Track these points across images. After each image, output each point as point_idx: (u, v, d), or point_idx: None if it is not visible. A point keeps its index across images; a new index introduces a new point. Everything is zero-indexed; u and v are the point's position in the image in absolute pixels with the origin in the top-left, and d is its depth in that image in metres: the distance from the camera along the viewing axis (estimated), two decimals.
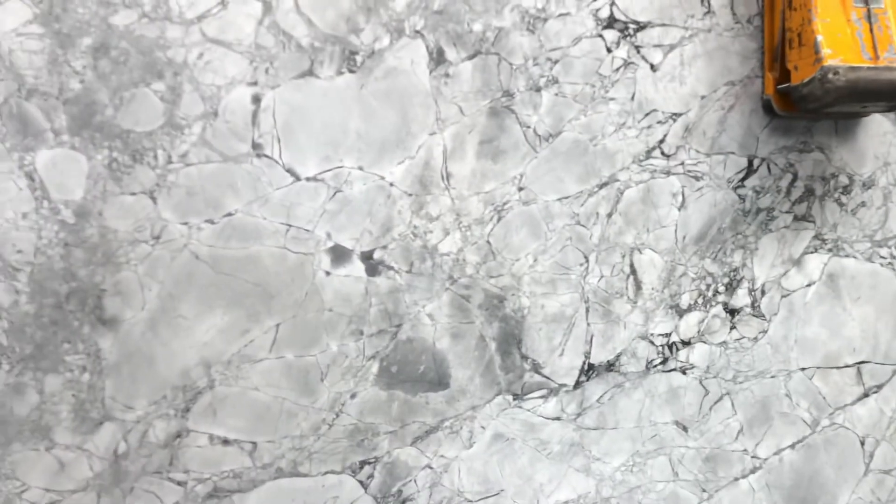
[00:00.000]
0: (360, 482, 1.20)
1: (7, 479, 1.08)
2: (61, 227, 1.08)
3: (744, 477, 1.36)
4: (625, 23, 1.28)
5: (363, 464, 1.20)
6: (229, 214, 1.13)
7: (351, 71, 1.17)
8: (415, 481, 1.22)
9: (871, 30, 1.22)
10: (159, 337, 1.12)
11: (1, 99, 1.05)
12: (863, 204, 1.39)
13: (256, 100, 1.14)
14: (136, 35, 1.09)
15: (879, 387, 1.41)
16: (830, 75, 1.19)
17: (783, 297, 1.36)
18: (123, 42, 1.09)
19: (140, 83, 1.09)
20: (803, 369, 1.37)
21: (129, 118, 1.09)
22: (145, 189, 1.10)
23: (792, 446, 1.37)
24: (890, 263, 1.41)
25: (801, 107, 1.27)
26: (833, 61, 1.19)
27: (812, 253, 1.37)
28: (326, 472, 1.19)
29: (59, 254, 1.08)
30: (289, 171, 1.15)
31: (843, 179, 1.38)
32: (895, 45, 1.22)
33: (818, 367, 1.38)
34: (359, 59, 1.17)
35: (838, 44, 1.20)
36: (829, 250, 1.38)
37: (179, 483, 1.13)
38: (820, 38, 1.20)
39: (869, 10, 1.22)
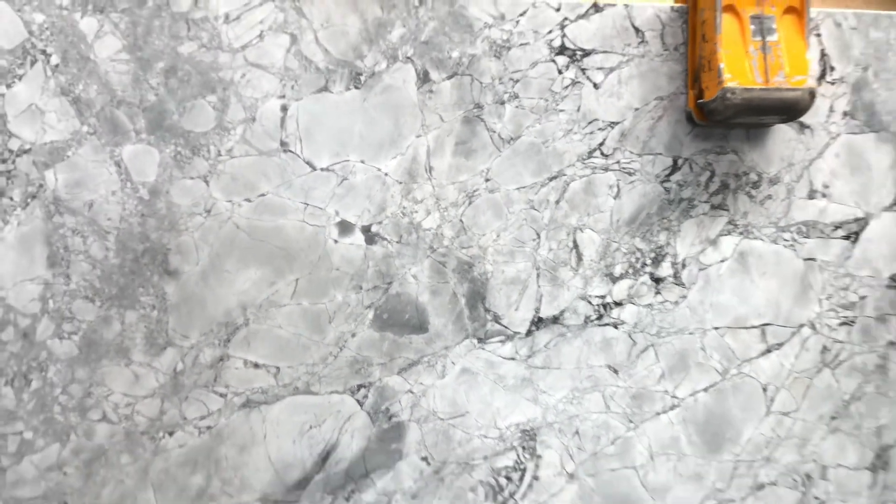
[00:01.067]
0: (357, 401, 1.56)
1: (98, 385, 1.45)
2: (139, 202, 1.45)
3: (664, 412, 1.68)
4: (573, 50, 1.60)
5: (360, 387, 1.55)
6: (262, 195, 1.49)
7: (356, 87, 1.52)
8: (399, 402, 1.57)
9: (765, 59, 1.53)
10: (209, 285, 1.48)
11: (98, 107, 1.42)
12: (769, 197, 1.70)
13: (284, 109, 1.49)
14: (196, 60, 1.45)
15: (780, 345, 1.72)
16: (729, 94, 1.50)
17: (700, 269, 1.68)
18: (187, 65, 1.45)
19: (198, 96, 1.45)
20: (716, 328, 1.69)
21: (190, 122, 1.45)
22: (200, 175, 1.46)
23: (705, 390, 1.69)
24: (791, 245, 1.71)
25: (710, 119, 1.58)
26: (731, 84, 1.50)
27: (726, 235, 1.69)
28: (332, 392, 1.54)
29: (137, 221, 1.45)
30: (307, 162, 1.50)
31: (753, 177, 1.69)
32: (784, 71, 1.52)
33: (728, 328, 1.69)
34: (363, 78, 1.52)
35: (737, 70, 1.51)
36: (741, 233, 1.69)
37: (221, 395, 1.50)
38: (722, 65, 1.51)
39: (764, 43, 1.53)
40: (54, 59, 1.40)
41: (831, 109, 1.71)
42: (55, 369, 1.43)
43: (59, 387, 1.44)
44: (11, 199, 1.40)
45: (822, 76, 1.70)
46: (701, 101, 1.58)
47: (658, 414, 1.68)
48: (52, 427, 1.44)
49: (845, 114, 1.72)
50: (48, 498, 1.44)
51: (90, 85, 1.42)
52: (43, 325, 1.43)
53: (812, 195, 1.71)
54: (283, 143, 1.49)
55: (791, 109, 1.53)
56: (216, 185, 1.47)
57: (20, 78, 1.39)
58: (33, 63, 1.40)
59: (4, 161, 1.39)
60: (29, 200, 1.41)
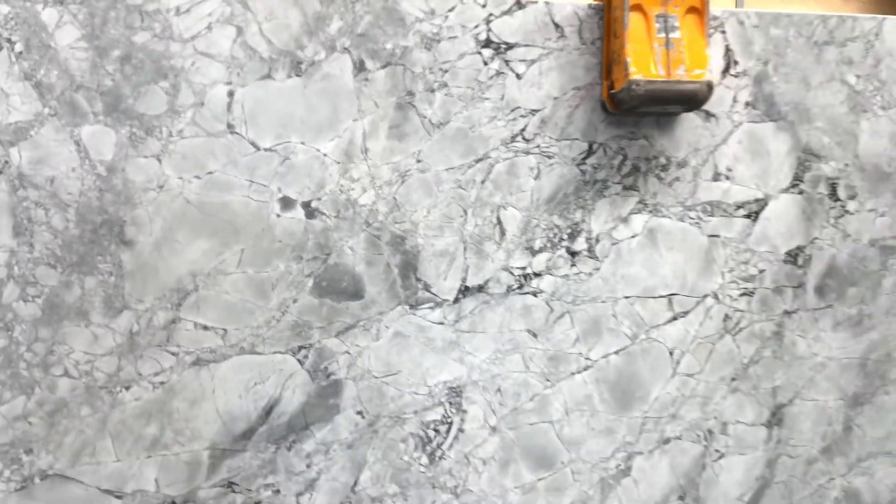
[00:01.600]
0: (298, 360, 1.71)
1: (60, 343, 1.59)
2: (97, 178, 1.58)
3: (579, 373, 1.85)
4: (497, 43, 1.75)
5: (300, 348, 1.71)
6: (210, 173, 1.63)
7: (297, 75, 1.66)
8: (337, 361, 1.73)
9: (668, 54, 1.68)
10: (161, 255, 1.62)
11: (59, 91, 1.55)
12: (677, 179, 1.86)
13: (230, 94, 1.63)
14: (150, 49, 1.58)
15: (685, 313, 1.89)
16: (634, 86, 1.66)
17: (612, 244, 1.84)
18: (141, 54, 1.58)
19: (151, 82, 1.59)
20: (626, 297, 1.86)
21: (144, 105, 1.59)
22: (154, 154, 1.60)
23: (616, 353, 1.86)
24: (696, 223, 1.88)
25: (620, 108, 1.74)
26: (637, 76, 1.66)
27: (636, 213, 1.85)
28: (275, 352, 1.70)
29: (95, 196, 1.59)
30: (252, 143, 1.64)
31: (662, 160, 1.85)
32: (685, 65, 1.68)
33: (638, 297, 1.86)
34: (303, 67, 1.66)
35: (642, 64, 1.67)
36: (650, 212, 1.86)
37: (173, 354, 1.65)
38: (629, 59, 1.67)
39: (668, 39, 1.69)
40: (18, 47, 1.53)
41: (735, 100, 1.88)
42: (20, 329, 1.57)
43: (24, 345, 1.58)
44: None
45: (726, 70, 1.87)
46: (612, 91, 1.74)
47: (573, 374, 1.85)
48: (18, 381, 1.58)
49: (747, 104, 1.88)
50: (15, 445, 1.59)
51: (51, 70, 1.54)
52: (9, 289, 1.56)
53: (716, 178, 1.88)
54: (229, 126, 1.63)
55: (690, 100, 1.69)
56: (168, 164, 1.61)
57: None
58: None
59: None
60: (2, 166, 1.54)
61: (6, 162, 1.53)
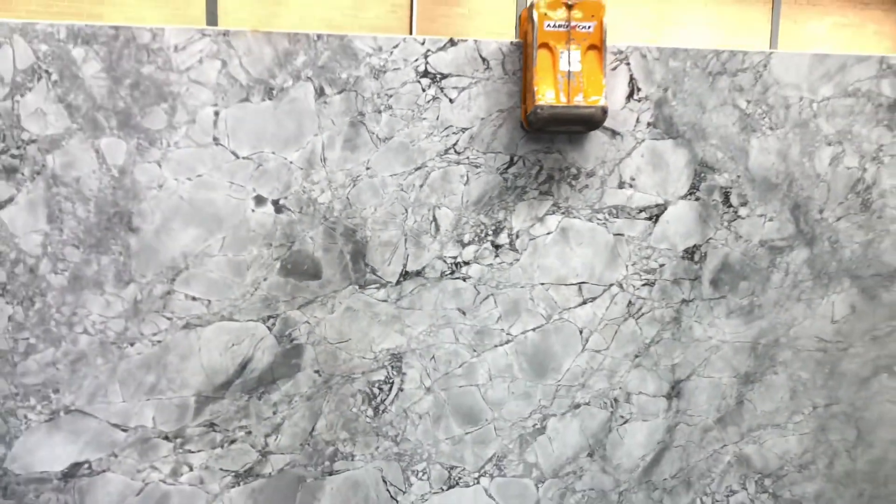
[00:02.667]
0: (268, 327, 2.11)
1: (81, 307, 2.02)
2: (111, 179, 2.01)
3: (501, 346, 2.20)
4: (434, 74, 2.12)
5: (269, 317, 2.11)
6: (199, 175, 2.04)
7: (270, 99, 2.06)
8: (299, 329, 2.12)
9: (569, 84, 2.03)
10: (160, 239, 2.04)
11: (83, 111, 1.98)
12: (586, 186, 2.21)
13: (216, 114, 2.04)
14: (154, 78, 2.00)
15: (594, 298, 2.23)
16: (538, 110, 2.01)
17: (530, 239, 2.19)
18: (147, 81, 2.00)
19: (154, 104, 2.01)
20: (542, 284, 2.21)
21: (148, 122, 2.01)
22: (155, 160, 2.02)
23: (533, 330, 2.21)
24: (603, 223, 2.22)
25: (532, 127, 2.09)
26: (542, 102, 2.01)
27: (551, 214, 2.20)
28: (248, 320, 2.10)
29: (110, 192, 2.01)
30: (233, 153, 2.05)
31: (574, 171, 2.20)
32: (583, 93, 2.03)
33: (552, 284, 2.21)
34: (274, 92, 2.06)
35: (546, 92, 2.02)
36: (563, 213, 2.20)
37: (168, 318, 2.06)
38: (536, 88, 2.02)
39: (569, 72, 2.04)
40: (53, 77, 1.97)
41: (638, 120, 2.21)
42: (51, 295, 2.00)
43: (54, 307, 2.01)
44: (23, 174, 1.97)
45: (630, 95, 2.20)
46: (528, 113, 2.09)
47: (496, 346, 2.20)
48: (49, 336, 2.01)
49: (649, 124, 2.21)
50: (45, 385, 2.02)
51: (78, 95, 1.98)
52: (43, 263, 2.00)
53: (621, 185, 2.22)
54: (214, 139, 2.04)
55: (587, 122, 2.04)
56: (166, 168, 2.02)
57: (30, 90, 1.96)
58: (39, 79, 1.96)
59: (19, 148, 1.96)
60: (35, 176, 1.98)
61: (43, 165, 1.97)
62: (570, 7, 2.02)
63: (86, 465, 2.05)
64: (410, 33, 10.14)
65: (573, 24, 2.03)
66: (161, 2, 9.09)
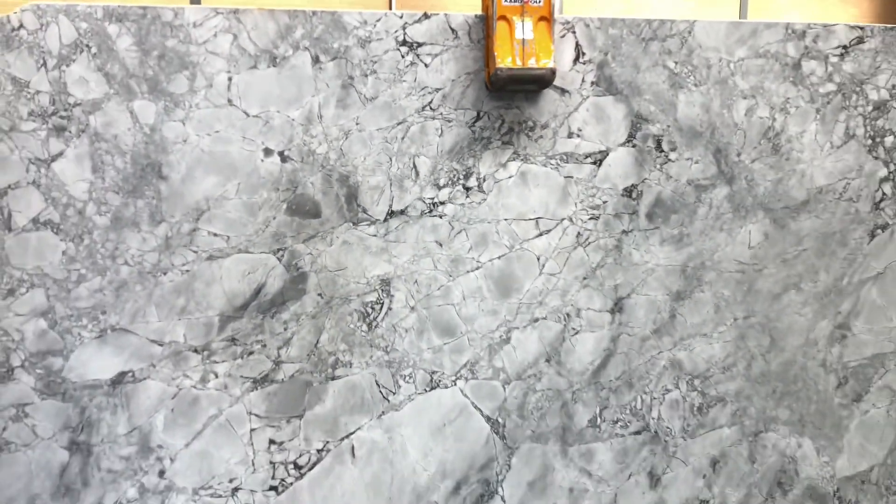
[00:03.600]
0: (278, 258, 2.51)
1: (122, 243, 2.41)
2: (144, 135, 2.39)
3: (472, 271, 2.62)
4: (411, 43, 2.51)
5: (279, 249, 2.51)
6: (217, 132, 2.42)
7: (274, 66, 2.44)
8: (303, 259, 2.52)
9: (524, 50, 2.43)
10: (185, 186, 2.43)
11: (119, 78, 2.35)
12: (541, 136, 2.61)
13: (229, 79, 2.41)
14: (177, 50, 2.37)
15: (549, 231, 2.65)
16: (498, 72, 2.41)
17: (495, 182, 2.60)
18: (171, 53, 2.37)
19: (178, 71, 2.38)
20: (505, 219, 2.62)
21: (173, 87, 2.38)
22: (180, 119, 2.39)
23: (499, 258, 2.63)
24: (556, 168, 2.63)
25: (494, 87, 2.49)
26: (501, 65, 2.41)
27: (512, 161, 2.60)
28: (262, 252, 2.50)
29: (143, 146, 2.39)
30: (244, 112, 2.43)
31: (530, 123, 2.60)
32: (535, 58, 2.42)
33: (514, 219, 2.62)
34: (277, 60, 2.44)
35: (504, 56, 2.41)
36: (522, 160, 2.61)
37: (194, 251, 2.46)
38: (496, 53, 2.42)
39: (524, 40, 2.43)
40: (93, 50, 2.34)
41: (583, 80, 2.61)
42: (97, 233, 2.40)
43: (99, 243, 2.40)
44: (70, 132, 2.35)
45: (576, 59, 2.60)
46: (490, 75, 2.49)
47: (468, 272, 2.62)
48: (96, 266, 2.41)
49: (592, 83, 2.62)
50: (95, 308, 2.42)
51: (114, 65, 2.35)
52: (90, 207, 2.38)
53: (570, 136, 2.63)
54: (229, 100, 2.42)
55: (540, 81, 2.44)
56: (189, 126, 2.41)
57: (74, 61, 2.33)
58: (81, 52, 2.33)
59: (66, 110, 2.34)
60: (80, 134, 2.35)
61: (87, 125, 2.35)
62: None
63: (129, 374, 2.46)
64: (390, 8, 10.40)
65: None
66: None
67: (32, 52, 2.30)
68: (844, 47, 2.73)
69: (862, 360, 2.88)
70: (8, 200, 2.33)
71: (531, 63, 2.42)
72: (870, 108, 2.77)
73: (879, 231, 2.83)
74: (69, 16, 2.31)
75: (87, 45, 2.33)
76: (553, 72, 2.43)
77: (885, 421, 2.92)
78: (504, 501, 2.69)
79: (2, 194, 2.33)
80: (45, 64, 2.31)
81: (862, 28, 2.74)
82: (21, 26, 2.28)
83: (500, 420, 2.67)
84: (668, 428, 2.78)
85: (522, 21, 2.43)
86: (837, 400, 2.88)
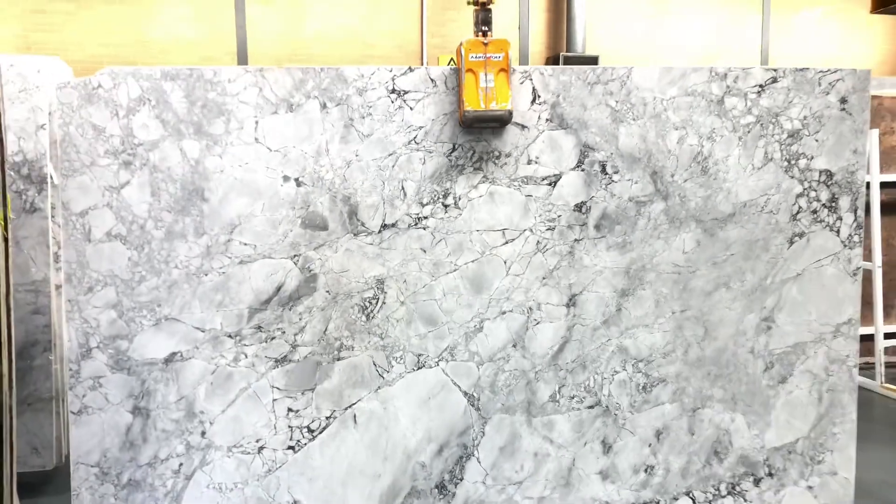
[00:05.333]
0: (294, 262, 3.12)
1: (172, 251, 3.06)
2: (190, 167, 3.04)
3: (451, 272, 3.19)
4: (399, 91, 3.12)
5: (294, 255, 3.12)
6: (246, 163, 3.06)
7: (291, 112, 3.07)
8: (314, 263, 3.13)
9: (486, 95, 3.01)
10: (222, 206, 3.06)
11: (171, 124, 3.01)
12: (505, 163, 3.19)
13: (256, 122, 3.05)
14: (216, 100, 3.02)
15: (513, 240, 3.20)
16: (466, 113, 3.00)
17: (469, 200, 3.18)
18: (211, 102, 3.02)
19: (216, 117, 3.03)
20: (477, 230, 3.19)
21: (213, 129, 3.03)
22: (218, 154, 3.04)
23: (473, 261, 3.20)
24: (518, 188, 3.19)
25: (465, 125, 3.08)
26: (468, 108, 3.00)
27: (482, 183, 3.18)
28: (281, 258, 3.11)
29: (189, 175, 3.04)
30: (267, 148, 3.07)
31: (496, 153, 3.18)
32: (496, 102, 3.01)
33: (484, 230, 3.19)
34: (293, 107, 3.07)
35: (471, 100, 3.00)
36: (490, 182, 3.18)
37: (229, 258, 3.09)
38: (465, 99, 3.01)
39: (487, 87, 3.02)
40: (153, 102, 3.00)
41: (539, 118, 3.18)
42: (154, 243, 3.04)
43: (155, 251, 3.05)
44: (135, 165, 3.01)
45: (533, 101, 3.18)
46: (461, 115, 3.08)
47: (447, 273, 3.20)
48: (153, 269, 3.05)
49: (547, 119, 3.19)
50: (151, 303, 3.06)
51: (168, 113, 3.01)
52: (149, 223, 3.03)
53: (529, 162, 3.20)
54: (255, 139, 3.06)
55: (500, 120, 3.02)
56: (225, 159, 3.05)
57: (138, 111, 2.99)
58: (143, 104, 3.00)
59: (132, 149, 3.00)
60: (142, 166, 3.01)
61: (147, 160, 3.01)
62: (485, 45, 3.01)
63: (178, 355, 3.09)
64: (421, 36, 11.12)
65: (488, 55, 3.01)
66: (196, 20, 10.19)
67: (108, 105, 2.97)
68: (761, 86, 3.25)
69: (786, 347, 3.37)
70: (88, 219, 3.00)
71: (492, 106, 3.00)
72: (784, 135, 3.28)
73: (797, 238, 3.33)
74: (135, 77, 2.98)
75: (148, 99, 2.99)
76: (510, 112, 3.01)
77: (807, 400, 3.39)
78: (479, 462, 3.25)
79: (84, 214, 3.00)
80: (116, 114, 2.98)
81: (775, 70, 3.26)
82: (100, 86, 2.96)
83: (475, 395, 3.24)
84: (617, 403, 3.30)
85: (485, 73, 3.02)
86: (765, 382, 3.37)
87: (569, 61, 11.45)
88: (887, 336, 5.48)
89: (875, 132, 5.21)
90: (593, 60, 11.49)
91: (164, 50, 10.23)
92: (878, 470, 3.85)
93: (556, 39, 12.01)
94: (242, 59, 10.47)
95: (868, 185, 5.27)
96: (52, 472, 3.79)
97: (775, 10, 11.93)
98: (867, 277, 5.38)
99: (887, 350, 5.62)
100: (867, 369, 5.53)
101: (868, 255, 5.28)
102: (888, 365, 5.72)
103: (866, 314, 5.47)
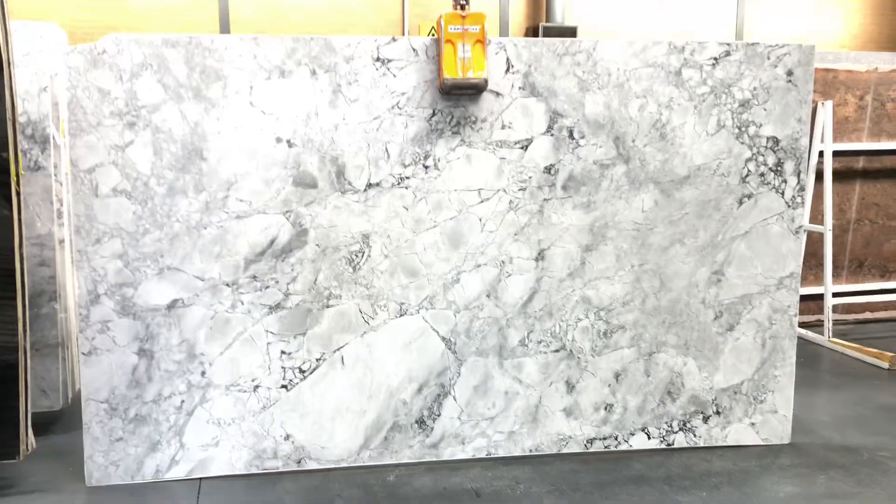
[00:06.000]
0: (286, 217, 3.37)
1: (174, 206, 3.30)
2: (190, 128, 3.27)
3: (431, 229, 3.47)
4: (383, 59, 3.36)
5: (287, 211, 3.37)
6: (242, 125, 3.30)
7: (283, 78, 3.31)
8: (304, 219, 3.39)
9: (464, 64, 3.27)
10: (220, 164, 3.30)
11: (173, 87, 3.24)
12: (482, 128, 3.45)
13: (251, 88, 3.29)
14: (214, 66, 3.25)
15: (488, 199, 3.48)
16: (445, 81, 3.25)
17: (447, 162, 3.45)
18: (209, 69, 3.25)
19: (213, 82, 3.26)
20: (455, 190, 3.47)
21: (211, 93, 3.26)
22: (216, 117, 3.28)
23: (451, 219, 3.48)
24: (493, 151, 3.47)
25: (443, 92, 3.34)
26: (446, 76, 3.25)
27: (460, 146, 3.45)
28: (275, 213, 3.37)
29: (189, 136, 3.27)
30: (261, 111, 3.31)
31: (473, 118, 3.44)
32: (472, 71, 3.26)
33: (461, 190, 3.47)
34: (285, 73, 3.31)
35: (450, 69, 3.26)
36: (467, 145, 3.45)
37: (226, 213, 3.34)
38: (444, 67, 3.26)
39: (464, 57, 3.27)
40: (154, 67, 3.22)
41: (512, 86, 3.45)
42: (157, 198, 3.28)
43: (158, 206, 3.29)
44: (139, 126, 3.24)
45: (507, 70, 3.44)
46: (440, 83, 3.33)
47: (427, 229, 3.48)
48: (156, 223, 3.30)
49: (520, 88, 3.45)
50: (155, 253, 3.31)
51: (169, 78, 3.23)
52: (152, 180, 3.27)
53: (503, 127, 3.47)
54: (250, 103, 3.29)
55: (476, 87, 3.28)
56: (222, 121, 3.28)
57: (141, 76, 3.21)
58: (146, 69, 3.21)
59: (136, 111, 3.22)
60: (145, 127, 3.24)
61: (150, 121, 3.24)
62: (463, 18, 3.26)
63: (180, 301, 3.36)
64: (403, 5, 11.23)
65: (465, 27, 3.26)
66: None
67: (112, 70, 3.19)
68: (715, 59, 3.54)
69: (734, 298, 3.71)
70: (95, 175, 3.23)
71: (469, 74, 3.26)
72: (736, 105, 3.58)
73: (746, 199, 3.65)
74: (138, 44, 3.20)
75: (150, 64, 3.21)
76: (486, 81, 3.27)
77: (752, 346, 3.74)
78: (455, 400, 3.57)
79: (91, 170, 3.23)
80: (121, 78, 3.20)
81: (728, 44, 3.54)
82: (105, 51, 3.17)
83: (452, 339, 3.54)
84: (580, 348, 3.63)
85: (463, 44, 3.27)
86: (714, 329, 3.71)
87: (548, 31, 11.66)
88: (835, 295, 5.87)
89: (829, 104, 5.53)
90: (572, 31, 11.71)
91: (144, 16, 10.30)
92: (819, 411, 4.24)
93: (535, 10, 12.20)
94: (224, 26, 10.56)
95: (822, 153, 5.61)
96: (59, 413, 4.06)
97: None
98: (819, 240, 5.75)
99: (836, 308, 6.01)
100: (818, 326, 5.92)
101: (820, 220, 5.63)
102: (836, 322, 6.13)
103: (818, 274, 5.85)
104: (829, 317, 5.62)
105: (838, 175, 5.83)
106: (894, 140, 5.88)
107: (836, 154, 5.67)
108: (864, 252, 6.13)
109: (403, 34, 11.05)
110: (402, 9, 11.32)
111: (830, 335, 5.61)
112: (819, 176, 5.65)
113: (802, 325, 6.01)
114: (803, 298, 6.04)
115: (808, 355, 5.48)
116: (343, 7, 11.08)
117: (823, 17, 12.70)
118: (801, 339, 5.85)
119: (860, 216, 6.03)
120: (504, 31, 11.77)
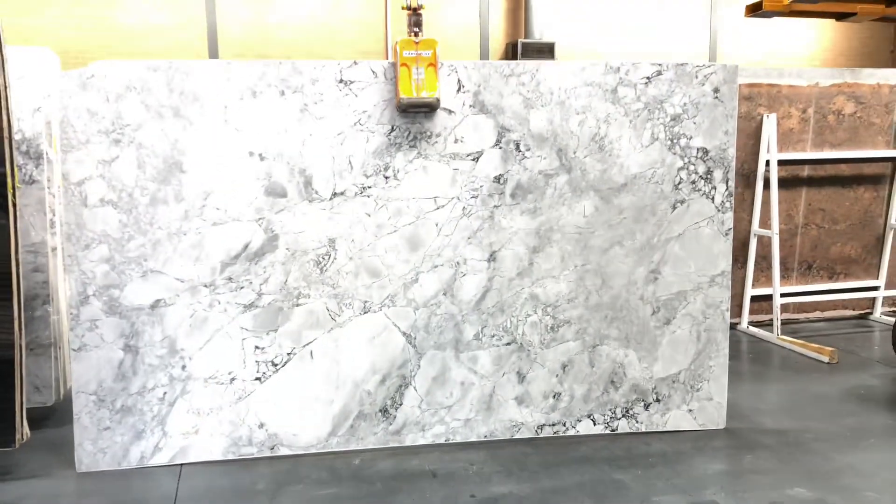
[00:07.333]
0: (259, 224, 3.70)
1: (156, 215, 3.63)
2: (170, 144, 3.60)
3: (392, 233, 3.80)
4: (346, 81, 3.70)
5: (259, 218, 3.70)
6: (218, 141, 3.63)
7: (254, 98, 3.64)
8: (275, 226, 3.72)
9: (418, 85, 3.61)
10: (198, 176, 3.61)
11: (155, 107, 3.57)
12: (436, 142, 3.79)
13: (225, 107, 3.62)
14: (192, 88, 3.59)
15: (443, 206, 3.82)
16: (400, 100, 3.59)
17: (406, 173, 3.77)
18: (188, 90, 3.59)
19: (192, 102, 3.60)
20: (413, 198, 3.80)
21: (189, 112, 3.60)
22: (193, 133, 3.61)
23: (409, 224, 3.81)
24: (447, 162, 3.81)
25: (400, 110, 3.68)
26: (402, 96, 3.60)
27: (417, 159, 3.78)
28: (248, 221, 3.70)
29: (170, 151, 3.60)
30: (235, 128, 3.64)
31: (429, 133, 3.78)
32: (426, 91, 3.60)
33: (419, 198, 3.80)
34: (256, 94, 3.65)
35: (405, 89, 3.59)
36: (423, 158, 3.79)
37: (203, 220, 3.67)
38: (399, 88, 3.60)
39: (418, 78, 3.62)
40: (139, 89, 3.55)
41: (463, 104, 3.79)
42: (140, 207, 3.60)
43: (142, 214, 3.61)
44: (123, 142, 3.56)
45: (458, 90, 3.78)
46: (397, 102, 3.68)
47: (388, 234, 3.81)
48: (140, 230, 3.61)
49: (470, 105, 3.80)
50: (140, 257, 3.63)
51: (151, 98, 3.56)
52: (136, 190, 3.59)
53: (456, 141, 3.81)
54: (225, 121, 3.63)
55: (429, 106, 3.62)
56: (200, 137, 3.61)
57: (126, 97, 3.54)
58: (130, 91, 3.54)
59: (122, 129, 3.55)
60: (130, 143, 3.56)
61: (134, 138, 3.56)
62: (416, 43, 3.61)
63: (162, 301, 3.67)
64: (386, 22, 11.61)
65: (419, 52, 3.61)
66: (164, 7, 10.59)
67: (100, 92, 3.52)
68: (648, 78, 3.90)
69: (670, 295, 4.04)
70: (85, 187, 3.55)
71: (423, 94, 3.61)
72: (668, 119, 3.93)
73: (679, 204, 4.00)
74: (123, 68, 3.53)
75: (135, 87, 3.55)
76: (438, 100, 3.62)
77: (687, 338, 4.08)
78: (416, 390, 3.89)
79: (80, 183, 3.55)
80: (108, 99, 3.53)
81: (660, 64, 3.90)
82: (93, 76, 3.51)
83: (412, 334, 3.87)
84: (529, 341, 3.96)
85: (417, 67, 3.62)
86: (653, 323, 4.05)
87: (527, 47, 12.06)
88: (786, 295, 6.22)
89: (774, 116, 5.91)
90: (550, 47, 12.11)
91: (134, 36, 10.64)
92: (757, 400, 4.58)
93: (514, 27, 12.60)
94: (213, 44, 10.92)
95: (768, 162, 5.98)
96: (52, 408, 4.36)
97: (724, 4, 12.61)
98: (769, 244, 6.11)
99: (787, 307, 6.37)
100: (768, 325, 6.27)
101: (769, 225, 5.99)
102: (788, 321, 6.48)
103: (769, 276, 6.20)
104: (777, 315, 5.96)
105: (785, 183, 6.19)
106: (836, 150, 6.25)
107: (782, 163, 6.04)
108: (813, 255, 6.49)
109: (387, 49, 11.42)
110: (385, 26, 11.70)
111: (779, 333, 5.95)
112: (767, 184, 6.01)
113: (755, 324, 6.36)
114: (756, 299, 6.39)
115: (757, 352, 5.83)
116: (328, 25, 11.45)
117: (794, 34, 13.14)
118: (752, 336, 6.20)
119: (807, 221, 6.39)
120: (484, 47, 12.16)
